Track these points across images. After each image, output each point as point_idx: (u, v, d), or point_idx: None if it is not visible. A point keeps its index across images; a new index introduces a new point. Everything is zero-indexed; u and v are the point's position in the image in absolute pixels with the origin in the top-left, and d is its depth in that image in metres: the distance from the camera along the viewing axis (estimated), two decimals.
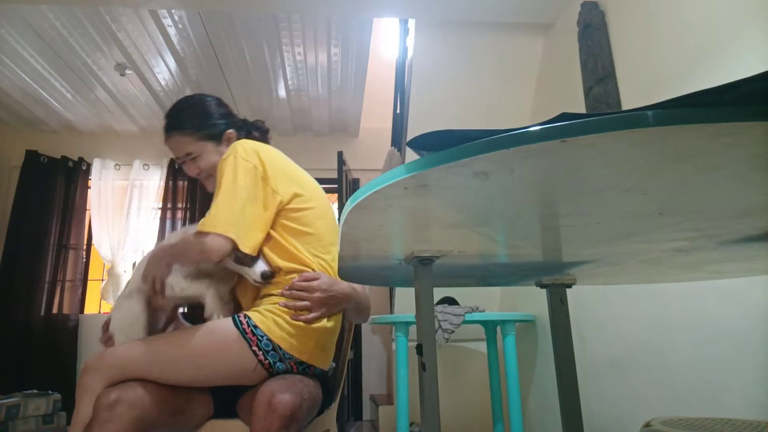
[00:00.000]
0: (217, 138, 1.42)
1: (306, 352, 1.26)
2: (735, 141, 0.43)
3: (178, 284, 1.29)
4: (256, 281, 1.28)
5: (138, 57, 3.48)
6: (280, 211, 1.31)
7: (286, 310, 1.27)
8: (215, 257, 1.20)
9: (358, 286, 1.42)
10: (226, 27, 3.21)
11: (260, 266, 1.28)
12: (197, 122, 1.40)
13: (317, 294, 1.27)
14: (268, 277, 1.28)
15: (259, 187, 1.27)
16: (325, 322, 1.31)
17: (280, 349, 1.22)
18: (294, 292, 1.28)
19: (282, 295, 1.30)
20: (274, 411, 1.04)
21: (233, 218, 1.21)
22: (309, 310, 1.27)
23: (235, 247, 1.21)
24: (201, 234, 1.19)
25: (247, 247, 1.22)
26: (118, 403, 1.05)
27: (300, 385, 1.15)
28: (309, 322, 1.27)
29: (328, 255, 1.37)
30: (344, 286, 1.34)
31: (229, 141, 1.43)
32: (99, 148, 4.51)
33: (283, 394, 1.07)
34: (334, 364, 1.53)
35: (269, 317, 1.25)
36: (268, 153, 1.33)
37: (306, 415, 1.13)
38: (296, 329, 1.26)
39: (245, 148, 1.30)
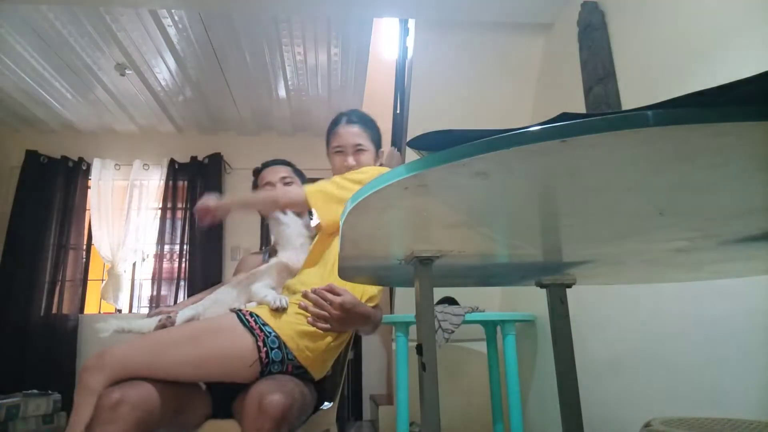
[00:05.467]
0: (377, 148, 1.68)
1: (309, 358, 1.26)
2: (735, 141, 0.43)
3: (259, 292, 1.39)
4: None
5: (138, 57, 3.48)
6: None
7: (303, 312, 1.29)
8: (283, 203, 1.50)
9: (380, 308, 1.47)
10: (226, 27, 3.21)
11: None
12: (373, 127, 1.68)
13: (338, 312, 1.29)
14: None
15: None
16: (332, 339, 1.32)
17: (286, 347, 1.22)
18: (318, 299, 1.30)
19: (304, 296, 1.31)
20: (264, 412, 1.04)
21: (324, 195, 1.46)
22: (325, 320, 1.29)
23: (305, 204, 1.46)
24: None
25: (307, 202, 1.45)
26: (121, 404, 1.03)
27: (290, 385, 1.15)
28: (322, 330, 1.29)
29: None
30: (365, 308, 1.36)
31: (380, 157, 1.70)
32: (99, 148, 4.51)
33: (274, 394, 1.07)
34: (330, 368, 1.54)
35: (281, 317, 1.26)
36: None
37: (297, 415, 1.14)
38: (307, 333, 1.27)
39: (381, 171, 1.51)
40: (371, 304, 1.41)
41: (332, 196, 1.44)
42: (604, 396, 2.03)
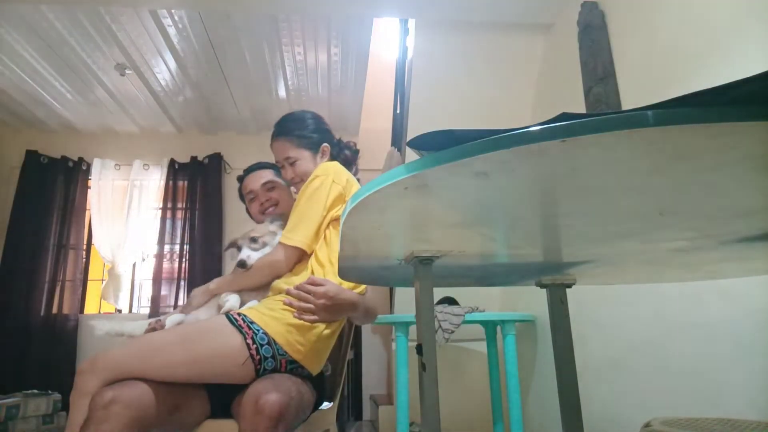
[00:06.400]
0: (315, 148, 1.59)
1: (301, 352, 1.27)
2: (735, 141, 0.43)
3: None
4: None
5: (138, 57, 3.48)
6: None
7: (289, 308, 1.30)
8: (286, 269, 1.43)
9: (367, 291, 1.46)
10: (226, 27, 3.21)
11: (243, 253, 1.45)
12: (299, 132, 1.57)
13: (322, 300, 1.29)
14: (241, 265, 1.43)
15: (339, 203, 1.47)
16: (323, 329, 1.32)
17: (275, 343, 1.23)
18: (301, 293, 1.30)
19: (287, 293, 1.32)
20: (261, 411, 1.04)
21: (307, 232, 1.42)
22: (312, 312, 1.29)
23: (303, 253, 1.42)
24: (280, 246, 1.42)
25: (308, 247, 1.41)
26: (114, 403, 1.04)
27: (288, 384, 1.16)
28: (310, 322, 1.29)
29: None
30: (350, 294, 1.35)
31: (324, 153, 1.60)
32: (99, 148, 4.51)
33: (270, 394, 1.07)
34: (329, 365, 1.54)
35: (267, 314, 1.28)
36: (352, 179, 1.54)
37: (295, 414, 1.14)
38: (295, 328, 1.28)
39: (337, 171, 1.48)
40: (357, 290, 1.41)
41: (312, 229, 1.42)
42: (604, 396, 2.03)
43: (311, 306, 1.29)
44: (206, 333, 1.22)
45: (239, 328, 1.21)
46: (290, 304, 1.30)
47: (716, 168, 0.48)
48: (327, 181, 1.44)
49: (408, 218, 0.66)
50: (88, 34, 3.21)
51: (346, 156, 1.66)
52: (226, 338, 1.20)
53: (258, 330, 1.22)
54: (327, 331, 1.34)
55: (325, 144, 1.60)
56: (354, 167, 1.70)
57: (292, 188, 1.72)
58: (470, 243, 0.76)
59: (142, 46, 3.36)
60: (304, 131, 1.58)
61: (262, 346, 1.21)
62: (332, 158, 1.61)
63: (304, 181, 1.52)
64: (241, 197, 1.79)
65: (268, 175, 1.71)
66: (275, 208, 1.67)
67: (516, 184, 0.52)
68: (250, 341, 1.20)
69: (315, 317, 1.29)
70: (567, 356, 0.99)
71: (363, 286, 1.45)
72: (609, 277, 1.11)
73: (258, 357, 1.20)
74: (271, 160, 1.78)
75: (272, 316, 1.27)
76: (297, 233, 1.40)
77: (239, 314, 1.26)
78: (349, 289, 1.36)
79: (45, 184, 4.28)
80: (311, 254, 1.44)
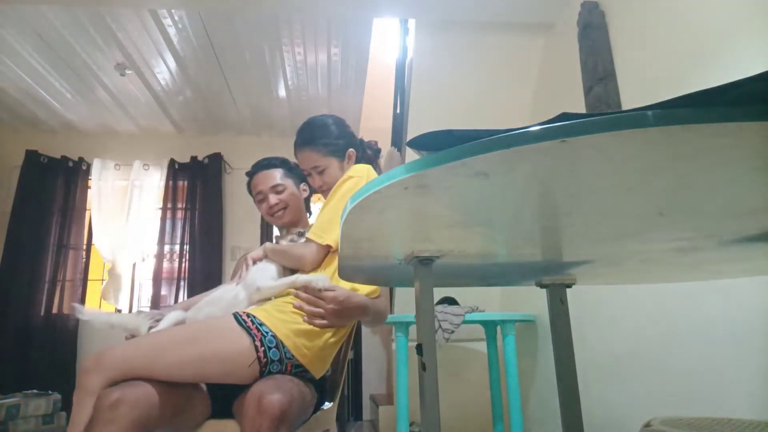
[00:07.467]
0: (341, 155, 1.57)
1: (307, 356, 1.27)
2: (735, 141, 0.43)
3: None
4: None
5: (138, 57, 3.48)
6: None
7: (299, 312, 1.30)
8: (310, 267, 1.42)
9: (382, 297, 1.46)
10: (226, 27, 3.21)
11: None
12: (324, 139, 1.54)
13: (331, 305, 1.29)
14: (300, 235, 1.52)
15: None
16: (330, 336, 1.32)
17: (283, 346, 1.23)
18: (311, 297, 1.30)
19: (296, 296, 1.32)
20: (263, 412, 1.04)
21: (338, 230, 1.41)
22: (321, 317, 1.29)
23: (329, 251, 1.43)
24: (309, 242, 1.42)
25: (336, 245, 1.40)
26: (120, 403, 1.03)
27: (290, 385, 1.16)
28: (320, 327, 1.29)
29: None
30: (360, 299, 1.35)
31: (350, 158, 1.58)
32: (99, 148, 4.51)
33: (273, 394, 1.07)
34: (329, 367, 1.54)
35: (277, 316, 1.27)
36: None
37: (297, 414, 1.14)
38: (303, 332, 1.28)
39: (370, 174, 1.48)
40: (374, 296, 1.41)
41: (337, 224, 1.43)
42: (604, 396, 2.03)
43: (321, 311, 1.29)
44: (214, 333, 1.21)
45: (248, 330, 1.21)
46: (300, 308, 1.30)
47: (716, 168, 0.48)
48: (361, 183, 1.43)
49: (408, 218, 0.66)
50: (88, 34, 3.21)
51: (368, 156, 1.65)
52: (235, 339, 1.19)
53: (267, 332, 1.22)
54: (333, 339, 1.34)
55: (350, 149, 1.59)
56: (376, 166, 1.68)
57: (302, 185, 1.73)
58: (470, 243, 0.76)
59: (142, 46, 3.36)
60: (329, 138, 1.55)
61: (270, 348, 1.21)
62: (357, 160, 1.61)
63: (332, 189, 1.52)
64: (250, 192, 1.78)
65: (277, 176, 1.68)
66: (284, 212, 1.65)
67: (516, 184, 0.52)
68: (258, 343, 1.20)
69: (324, 322, 1.29)
70: (567, 356, 0.99)
71: (376, 289, 1.44)
72: (609, 277, 1.11)
73: (265, 360, 1.19)
74: (276, 156, 1.79)
75: (282, 318, 1.27)
76: (328, 232, 1.41)
77: (248, 315, 1.25)
78: (358, 294, 1.36)
79: (45, 184, 4.28)
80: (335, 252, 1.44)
